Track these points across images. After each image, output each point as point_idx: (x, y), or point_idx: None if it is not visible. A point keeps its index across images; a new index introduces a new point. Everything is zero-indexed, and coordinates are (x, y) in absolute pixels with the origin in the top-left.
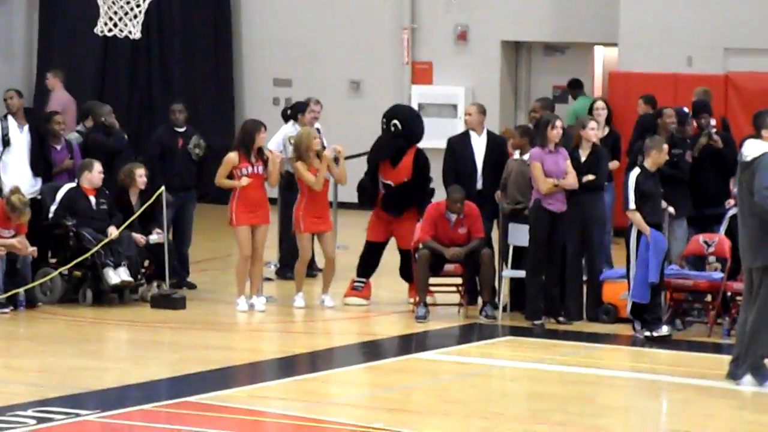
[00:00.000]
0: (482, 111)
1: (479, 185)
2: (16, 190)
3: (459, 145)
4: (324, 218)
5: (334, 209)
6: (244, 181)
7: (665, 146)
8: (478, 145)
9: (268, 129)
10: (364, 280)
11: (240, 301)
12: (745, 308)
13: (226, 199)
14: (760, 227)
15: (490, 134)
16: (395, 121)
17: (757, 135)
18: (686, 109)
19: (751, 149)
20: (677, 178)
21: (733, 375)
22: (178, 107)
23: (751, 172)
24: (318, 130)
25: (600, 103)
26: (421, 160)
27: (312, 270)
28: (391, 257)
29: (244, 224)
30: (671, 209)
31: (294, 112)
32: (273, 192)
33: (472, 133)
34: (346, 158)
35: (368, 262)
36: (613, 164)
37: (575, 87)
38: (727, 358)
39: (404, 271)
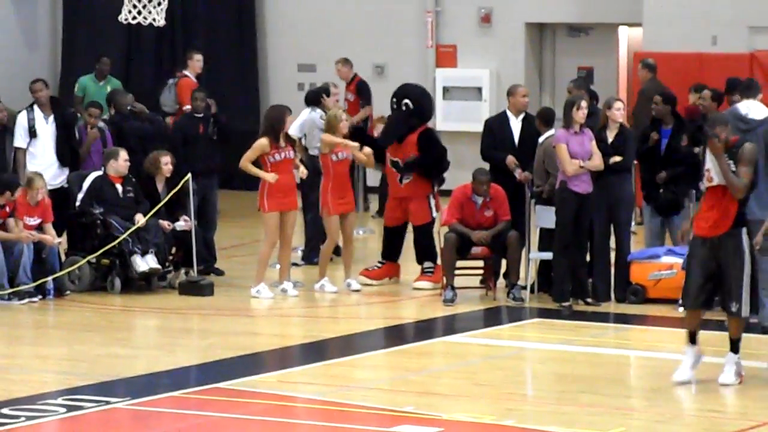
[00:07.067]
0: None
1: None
2: (30, 175)
3: (497, 127)
4: (348, 199)
5: (359, 193)
6: (271, 177)
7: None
8: (516, 127)
9: (292, 114)
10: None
11: (261, 288)
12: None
13: (253, 185)
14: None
15: (527, 116)
16: (406, 101)
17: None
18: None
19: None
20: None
21: None
22: (200, 95)
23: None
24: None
25: (619, 104)
26: (425, 140)
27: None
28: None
29: (275, 210)
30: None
31: (315, 97)
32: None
33: (510, 115)
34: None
35: (389, 246)
36: None
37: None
38: (756, 338)
39: (417, 250)
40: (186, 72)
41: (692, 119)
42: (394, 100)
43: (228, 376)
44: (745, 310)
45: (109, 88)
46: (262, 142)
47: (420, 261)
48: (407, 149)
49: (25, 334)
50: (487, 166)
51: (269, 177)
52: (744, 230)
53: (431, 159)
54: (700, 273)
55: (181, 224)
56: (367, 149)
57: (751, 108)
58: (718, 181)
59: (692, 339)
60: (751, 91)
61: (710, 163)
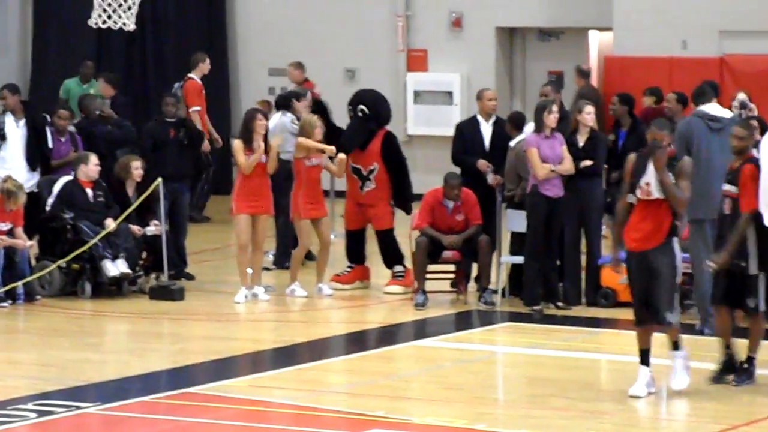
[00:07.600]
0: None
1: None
2: (7, 179)
3: (468, 131)
4: (319, 204)
5: (331, 198)
6: (258, 152)
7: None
8: (487, 131)
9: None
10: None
11: (240, 291)
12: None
13: (225, 189)
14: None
15: (497, 120)
16: (361, 107)
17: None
18: None
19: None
20: None
21: None
22: (171, 100)
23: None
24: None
25: (589, 108)
26: (388, 145)
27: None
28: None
29: (243, 213)
30: None
31: (285, 102)
32: None
33: (480, 119)
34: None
35: (353, 250)
36: None
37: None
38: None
39: (385, 255)
40: (191, 75)
41: (647, 122)
42: (350, 107)
43: (199, 380)
44: (677, 317)
45: (92, 92)
46: (235, 145)
47: (388, 266)
48: (370, 156)
49: None
50: (458, 170)
51: (253, 157)
52: (675, 239)
53: (398, 162)
54: (641, 288)
55: (152, 229)
56: (341, 156)
57: (716, 109)
58: (657, 195)
59: (645, 360)
60: (705, 97)
61: (651, 176)
